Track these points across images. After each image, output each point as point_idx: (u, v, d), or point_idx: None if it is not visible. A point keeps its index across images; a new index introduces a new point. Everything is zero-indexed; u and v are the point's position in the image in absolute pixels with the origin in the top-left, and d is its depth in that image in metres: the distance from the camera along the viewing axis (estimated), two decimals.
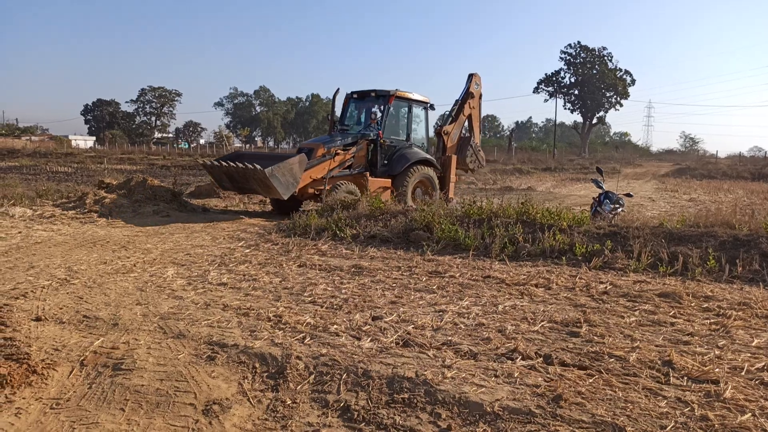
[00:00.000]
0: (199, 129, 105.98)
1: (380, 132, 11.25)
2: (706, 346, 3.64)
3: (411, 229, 7.54)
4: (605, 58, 69.81)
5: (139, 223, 8.90)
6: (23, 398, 2.96)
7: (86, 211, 9.66)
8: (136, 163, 33.56)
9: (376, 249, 7.00)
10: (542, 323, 4.10)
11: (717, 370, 3.23)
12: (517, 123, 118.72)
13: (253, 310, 4.40)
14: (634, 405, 2.80)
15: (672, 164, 42.35)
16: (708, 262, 5.73)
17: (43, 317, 4.16)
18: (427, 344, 3.65)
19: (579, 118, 74.23)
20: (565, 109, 73.68)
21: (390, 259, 6.46)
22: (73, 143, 67.40)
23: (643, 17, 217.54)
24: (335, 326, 3.99)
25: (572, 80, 71.22)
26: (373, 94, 11.76)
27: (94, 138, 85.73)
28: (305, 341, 3.70)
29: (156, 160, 35.81)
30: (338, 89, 11.80)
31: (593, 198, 9.58)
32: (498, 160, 39.91)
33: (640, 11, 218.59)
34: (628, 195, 10.03)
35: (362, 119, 12.17)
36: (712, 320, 4.22)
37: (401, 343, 3.69)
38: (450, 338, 3.77)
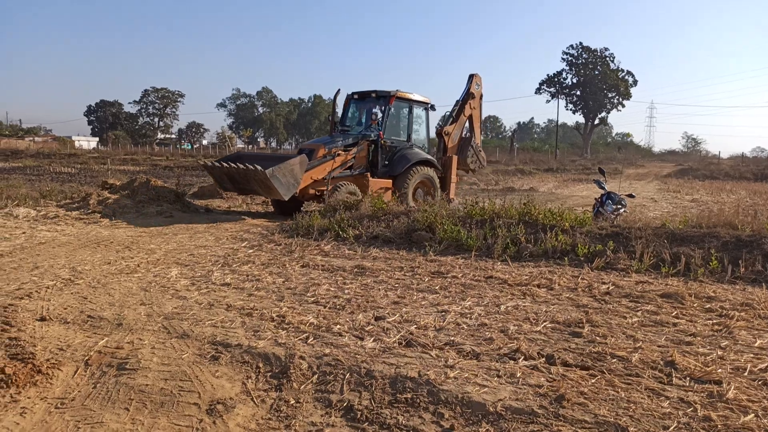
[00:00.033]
0: (201, 130, 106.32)
1: (381, 133, 11.26)
2: (708, 347, 3.65)
3: (413, 230, 7.55)
4: (607, 58, 69.83)
5: (143, 224, 8.93)
6: (28, 398, 2.98)
7: (90, 211, 9.70)
8: (139, 163, 33.63)
9: (379, 249, 7.01)
10: (544, 323, 4.11)
11: (720, 370, 3.23)
12: (519, 124, 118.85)
13: (257, 310, 4.41)
14: (636, 405, 2.81)
15: (674, 165, 42.28)
16: (710, 263, 5.73)
17: (47, 317, 4.18)
18: (429, 344, 3.66)
19: (581, 119, 74.23)
20: (567, 109, 73.67)
21: (392, 259, 6.47)
22: (77, 144, 67.70)
23: (645, 18, 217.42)
24: (338, 326, 4.01)
25: (574, 81, 71.20)
26: (373, 95, 11.76)
27: (97, 139, 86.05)
28: (308, 341, 3.71)
29: (159, 161, 35.89)
30: (339, 90, 11.82)
31: (595, 199, 9.58)
32: (500, 160, 39.91)
33: (642, 12, 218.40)
34: (631, 196, 10.03)
35: (363, 120, 12.19)
36: (714, 321, 4.22)
37: (404, 343, 3.71)
38: (452, 338, 3.78)
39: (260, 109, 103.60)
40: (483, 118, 14.61)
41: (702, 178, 27.73)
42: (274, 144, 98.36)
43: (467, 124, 13.53)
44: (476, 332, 3.93)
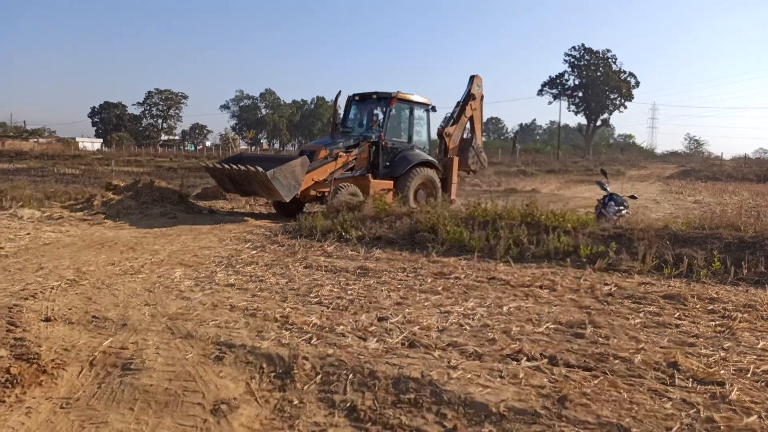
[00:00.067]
0: (205, 131, 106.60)
1: (382, 134, 11.26)
2: (711, 348, 3.65)
3: (416, 231, 7.56)
4: (609, 60, 69.70)
5: (147, 225, 8.96)
6: (33, 398, 3.00)
7: (94, 212, 9.74)
8: (143, 165, 33.71)
9: (382, 250, 7.02)
10: (547, 324, 4.12)
11: (722, 371, 3.24)
12: (521, 125, 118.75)
13: (260, 310, 4.43)
14: (639, 406, 2.81)
15: (676, 166, 42.18)
16: (713, 264, 5.73)
17: (52, 318, 4.21)
18: (432, 345, 3.67)
19: (583, 120, 74.14)
20: (569, 111, 73.52)
21: (395, 260, 6.49)
22: (81, 145, 67.94)
23: (647, 19, 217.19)
24: (341, 327, 4.02)
25: (576, 82, 71.10)
26: (374, 96, 11.74)
27: (101, 140, 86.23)
28: (312, 342, 3.73)
29: (163, 162, 35.97)
30: (340, 92, 11.84)
31: (598, 200, 9.58)
32: (502, 162, 39.87)
33: (645, 13, 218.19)
34: (633, 197, 10.03)
35: (364, 121, 12.18)
36: (717, 322, 4.22)
37: (407, 343, 3.72)
38: (455, 339, 3.79)
39: (263, 111, 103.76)
40: (484, 119, 14.60)
41: (704, 180, 27.67)
42: (277, 145, 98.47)
43: (468, 125, 13.53)
44: (479, 333, 3.94)
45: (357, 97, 12.17)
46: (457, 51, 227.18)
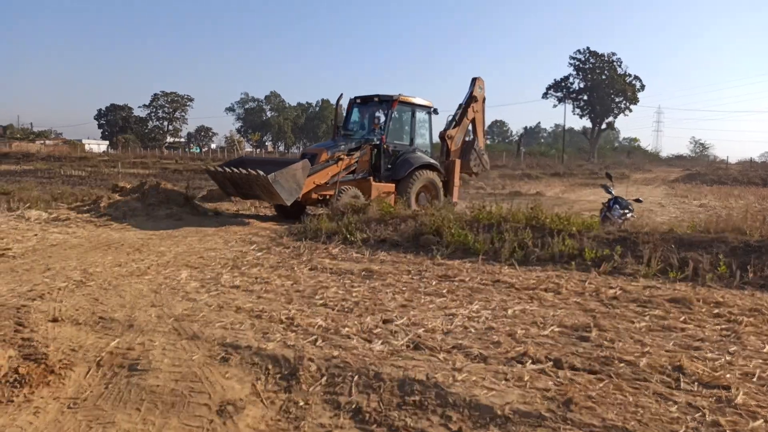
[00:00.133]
0: (210, 134, 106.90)
1: (383, 137, 11.24)
2: (716, 352, 3.64)
3: (421, 234, 7.57)
4: (614, 63, 69.53)
5: (153, 227, 9.00)
6: (41, 397, 3.03)
7: (101, 214, 9.79)
8: (148, 167, 33.83)
9: (386, 253, 7.04)
10: (552, 327, 4.12)
11: (728, 375, 3.23)
12: (525, 128, 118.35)
13: (266, 312, 4.45)
14: (644, 410, 2.82)
15: (682, 170, 42.04)
16: (719, 268, 5.72)
17: (59, 318, 4.24)
18: (437, 347, 3.68)
19: (588, 124, 73.95)
20: (574, 114, 73.43)
21: (400, 263, 6.50)
22: (87, 147, 68.28)
23: (652, 22, 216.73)
24: (346, 329, 4.03)
25: (581, 86, 70.96)
26: (376, 99, 11.70)
27: (107, 142, 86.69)
28: (317, 343, 3.74)
29: (168, 165, 36.09)
30: (341, 94, 11.83)
31: (602, 203, 9.57)
32: (507, 165, 39.83)
33: (650, 17, 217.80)
34: (638, 200, 10.00)
35: (366, 124, 12.16)
36: (722, 326, 4.21)
37: (412, 346, 3.73)
38: (460, 342, 3.79)
39: (268, 113, 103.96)
40: (487, 122, 14.56)
41: (710, 183, 27.54)
42: (282, 148, 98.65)
43: (470, 128, 13.50)
44: (484, 336, 3.95)
45: (359, 100, 12.15)
46: (462, 54, 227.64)
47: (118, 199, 10.60)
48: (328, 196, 10.40)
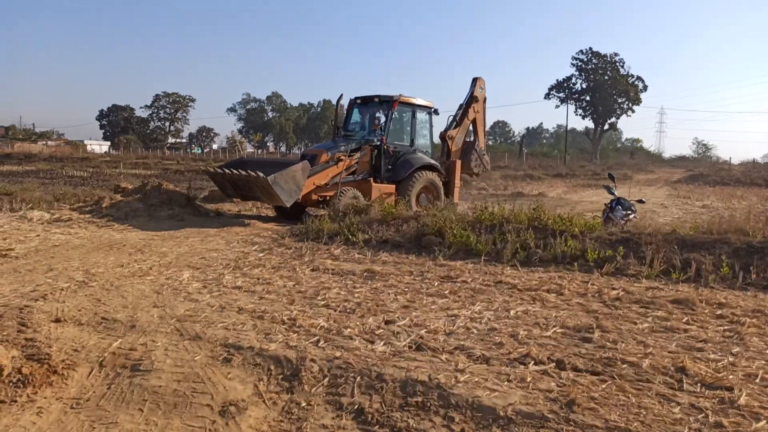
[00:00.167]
0: (212, 134, 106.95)
1: (384, 137, 11.21)
2: (719, 353, 3.64)
3: (423, 234, 7.57)
4: (617, 64, 69.45)
5: (155, 227, 9.02)
6: (44, 398, 3.03)
7: (103, 215, 9.80)
8: (150, 167, 33.89)
9: (388, 254, 7.03)
10: (554, 329, 4.11)
11: (731, 377, 3.23)
12: (527, 129, 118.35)
13: (268, 313, 4.45)
14: (647, 411, 2.81)
15: (684, 171, 41.96)
16: (721, 269, 5.71)
17: (62, 319, 4.25)
18: (439, 348, 3.68)
19: (590, 124, 73.86)
20: (577, 115, 73.13)
21: (402, 263, 6.49)
22: (89, 148, 68.44)
23: (655, 23, 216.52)
24: (349, 330, 4.03)
25: (584, 86, 70.89)
26: (376, 100, 11.65)
27: (109, 143, 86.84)
28: (319, 344, 3.74)
29: (170, 165, 36.14)
30: (341, 95, 11.82)
31: (605, 204, 9.56)
32: (509, 165, 39.82)
33: (653, 17, 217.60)
34: (640, 201, 10.00)
35: (366, 125, 12.12)
36: (725, 327, 4.21)
37: (414, 347, 3.73)
38: (462, 343, 3.79)
39: (270, 114, 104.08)
40: (488, 122, 14.52)
41: (713, 184, 27.49)
42: (283, 148, 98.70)
43: (471, 128, 13.46)
44: (486, 337, 3.94)
45: (359, 101, 12.11)
46: (463, 54, 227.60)
47: (120, 200, 10.62)
48: (328, 197, 10.38)
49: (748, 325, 4.21)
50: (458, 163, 12.69)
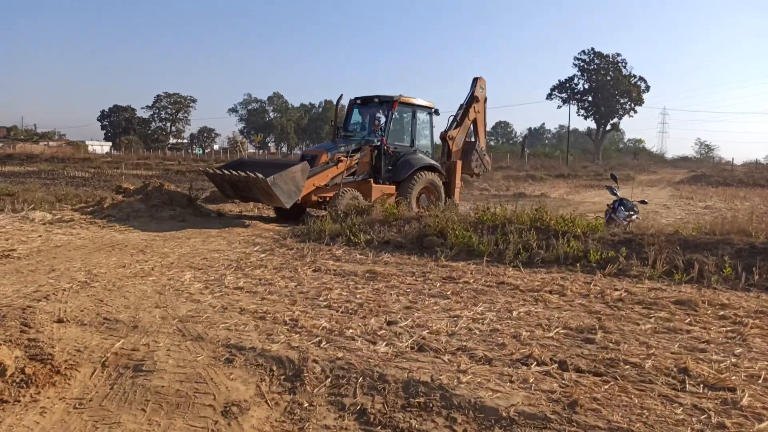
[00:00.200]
0: (213, 135, 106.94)
1: (384, 138, 11.17)
2: (722, 354, 3.63)
3: (425, 235, 7.56)
4: (619, 64, 69.31)
5: (156, 228, 9.02)
6: (47, 398, 3.04)
7: (104, 215, 9.81)
8: (151, 168, 33.94)
9: (390, 254, 7.03)
10: (557, 329, 4.11)
11: (734, 377, 3.22)
12: (530, 129, 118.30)
13: (270, 313, 4.45)
14: (650, 412, 2.81)
15: (687, 171, 41.91)
16: (724, 270, 5.70)
17: (65, 319, 4.25)
18: (442, 349, 3.67)
19: (593, 125, 73.73)
20: (579, 115, 72.89)
21: (404, 264, 6.49)
22: (90, 149, 68.54)
23: (657, 23, 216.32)
24: (351, 330, 4.03)
25: (586, 86, 70.77)
26: (376, 100, 11.60)
27: (110, 143, 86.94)
28: (321, 345, 3.74)
29: (171, 166, 36.17)
30: (341, 95, 11.78)
31: (607, 205, 9.55)
32: (511, 166, 39.77)
33: (655, 17, 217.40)
34: (643, 202, 9.98)
35: (366, 125, 12.07)
36: (728, 328, 4.20)
37: (416, 347, 3.73)
38: (465, 343, 3.79)
39: (271, 114, 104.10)
40: (489, 122, 14.47)
41: (715, 185, 27.46)
42: (284, 149, 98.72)
43: (472, 128, 13.42)
44: (488, 338, 3.94)
45: (359, 101, 12.06)
46: (465, 55, 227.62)
47: (121, 201, 10.63)
48: (327, 198, 10.36)
49: (750, 326, 4.20)
50: (459, 163, 12.65)
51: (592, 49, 70.23)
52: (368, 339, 3.88)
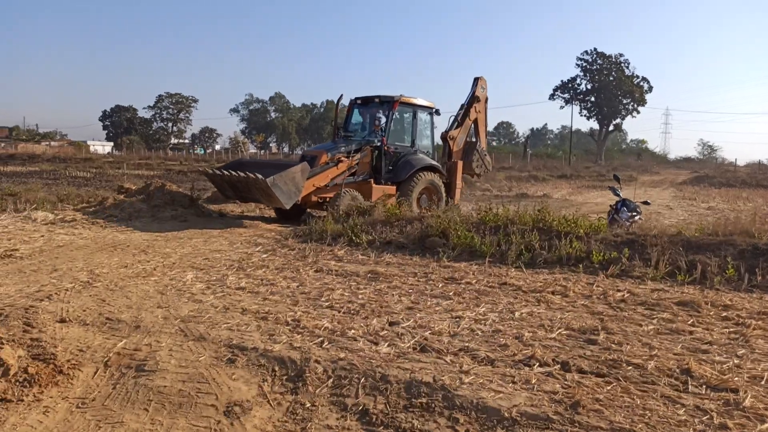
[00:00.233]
0: (214, 135, 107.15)
1: (384, 138, 11.14)
2: (724, 355, 3.63)
3: (427, 236, 7.56)
4: (622, 64, 69.27)
5: (158, 228, 9.03)
6: (50, 397, 3.05)
7: (106, 215, 9.82)
8: (153, 168, 33.98)
9: (392, 255, 7.03)
10: (559, 330, 4.11)
11: (736, 378, 3.22)
12: (532, 130, 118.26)
13: (272, 314, 4.46)
14: (652, 412, 2.80)
15: (690, 172, 41.85)
16: (727, 271, 5.69)
17: (67, 319, 4.26)
18: (444, 350, 3.67)
19: (595, 125, 73.75)
20: (582, 116, 72.90)
21: (406, 265, 6.49)
22: (92, 149, 68.64)
23: (660, 24, 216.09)
24: (353, 331, 4.04)
25: (588, 87, 70.74)
26: (377, 100, 11.58)
27: (111, 143, 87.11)
28: (323, 345, 3.74)
29: (173, 166, 36.20)
30: (341, 95, 11.76)
31: (610, 206, 9.54)
32: (513, 166, 39.73)
33: (658, 18, 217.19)
34: (646, 203, 9.97)
35: (366, 125, 12.04)
36: (731, 329, 4.19)
37: (418, 348, 3.73)
38: (467, 344, 3.79)
39: (273, 114, 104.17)
40: (490, 122, 14.43)
41: (718, 186, 27.41)
42: (286, 149, 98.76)
43: (472, 128, 13.39)
44: (491, 338, 3.94)
45: (359, 101, 12.03)
46: (467, 55, 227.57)
47: (123, 201, 10.64)
48: (327, 199, 10.35)
49: (753, 327, 4.19)
50: (460, 163, 12.61)
51: (595, 49, 70.25)
52: (370, 339, 3.88)
